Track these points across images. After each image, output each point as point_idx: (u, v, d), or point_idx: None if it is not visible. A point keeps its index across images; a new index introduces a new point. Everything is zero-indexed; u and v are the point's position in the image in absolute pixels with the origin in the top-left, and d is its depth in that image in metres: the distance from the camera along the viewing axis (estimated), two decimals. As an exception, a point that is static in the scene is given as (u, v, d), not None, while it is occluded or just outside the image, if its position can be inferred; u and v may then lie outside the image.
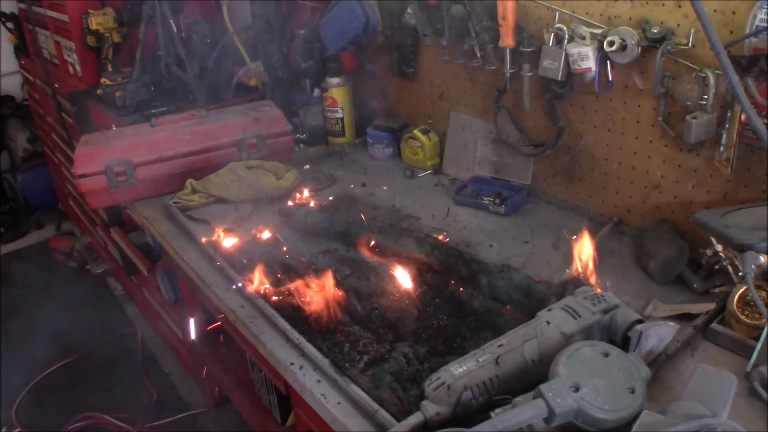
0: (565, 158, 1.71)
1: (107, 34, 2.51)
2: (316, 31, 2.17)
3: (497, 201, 1.74)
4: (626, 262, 1.47)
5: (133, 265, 2.63)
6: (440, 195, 1.87)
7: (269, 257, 1.57)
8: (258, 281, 1.42)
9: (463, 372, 1.02)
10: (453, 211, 1.77)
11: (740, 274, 1.20)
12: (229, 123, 1.98)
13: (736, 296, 1.17)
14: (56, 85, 3.02)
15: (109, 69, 2.54)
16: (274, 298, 1.39)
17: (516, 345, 1.06)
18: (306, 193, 1.89)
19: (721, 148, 1.31)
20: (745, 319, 1.15)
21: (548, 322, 1.09)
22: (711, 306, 1.24)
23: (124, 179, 1.85)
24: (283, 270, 1.51)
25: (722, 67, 0.94)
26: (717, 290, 1.31)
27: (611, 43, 1.39)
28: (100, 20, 2.48)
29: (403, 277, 1.41)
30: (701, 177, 1.41)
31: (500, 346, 1.07)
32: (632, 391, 0.94)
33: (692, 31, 1.31)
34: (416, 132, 2.02)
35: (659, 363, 1.12)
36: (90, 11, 2.49)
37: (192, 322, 2.07)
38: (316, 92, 2.32)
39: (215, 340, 2.17)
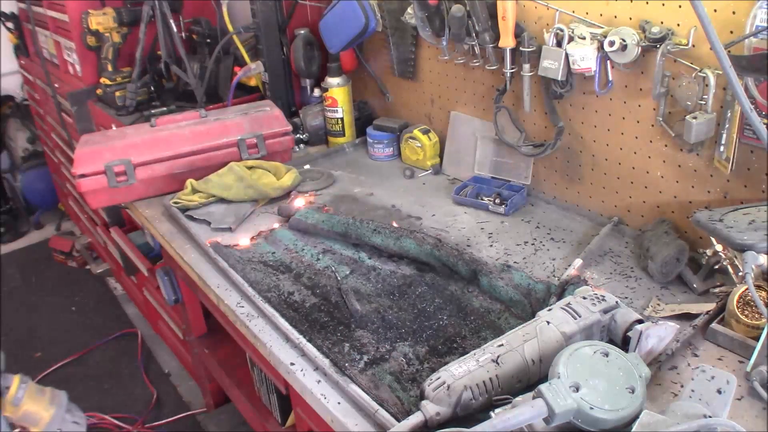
0: (565, 158, 1.71)
1: (107, 34, 2.52)
2: (316, 31, 2.17)
3: (497, 201, 1.74)
4: (626, 262, 1.48)
5: (133, 265, 2.63)
6: (440, 195, 1.87)
7: (269, 257, 1.57)
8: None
9: (463, 372, 1.02)
10: (453, 210, 1.77)
11: (740, 274, 1.20)
12: (229, 123, 1.98)
13: (736, 296, 1.17)
14: (56, 85, 3.02)
15: (109, 69, 2.54)
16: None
17: (516, 345, 1.06)
18: (306, 193, 1.90)
19: (721, 148, 1.31)
20: (745, 319, 1.15)
21: (548, 322, 1.09)
22: (711, 306, 1.24)
23: (124, 179, 1.85)
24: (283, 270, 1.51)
25: (722, 67, 0.94)
26: (717, 290, 1.31)
27: (611, 43, 1.39)
28: (100, 20, 2.48)
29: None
30: (701, 177, 1.41)
31: (500, 346, 1.07)
32: (632, 391, 0.94)
33: (692, 31, 1.31)
34: (416, 132, 2.02)
35: (659, 363, 1.12)
36: (90, 11, 2.49)
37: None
38: (316, 92, 2.32)
39: (215, 340, 2.18)
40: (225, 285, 1.48)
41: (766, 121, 1.20)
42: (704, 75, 1.28)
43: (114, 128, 2.36)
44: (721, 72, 1.24)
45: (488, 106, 1.84)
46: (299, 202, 1.81)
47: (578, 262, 1.42)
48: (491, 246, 1.58)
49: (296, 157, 2.15)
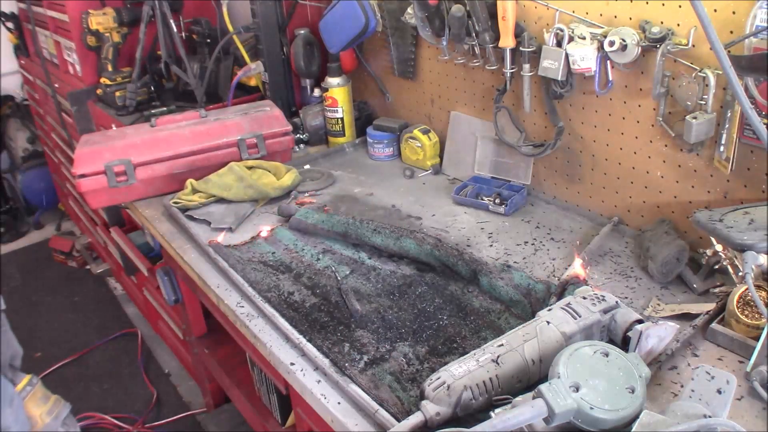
0: (565, 158, 1.71)
1: (107, 34, 2.52)
2: (316, 31, 2.17)
3: (497, 201, 1.74)
4: (626, 262, 1.48)
5: (133, 265, 2.63)
6: (440, 195, 1.87)
7: (269, 257, 1.57)
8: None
9: (463, 372, 1.02)
10: (453, 210, 1.77)
11: (740, 274, 1.20)
12: (229, 123, 1.98)
13: (736, 296, 1.17)
14: (56, 85, 3.03)
15: (109, 69, 2.54)
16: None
17: (516, 345, 1.06)
18: (306, 193, 1.90)
19: (721, 148, 1.31)
20: (745, 319, 1.15)
21: (548, 322, 1.09)
22: (711, 306, 1.24)
23: (124, 179, 1.85)
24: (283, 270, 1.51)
25: (722, 67, 0.94)
26: (717, 290, 1.31)
27: (611, 43, 1.39)
28: (100, 20, 2.48)
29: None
30: (701, 177, 1.41)
31: (500, 346, 1.07)
32: (632, 391, 0.94)
33: (692, 31, 1.31)
34: (416, 132, 2.02)
35: (659, 363, 1.12)
36: (90, 11, 2.49)
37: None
38: (316, 92, 2.32)
39: (215, 340, 2.18)
40: (225, 285, 1.48)
41: (766, 121, 1.20)
42: (704, 75, 1.28)
43: (114, 128, 2.36)
44: (721, 72, 1.24)
45: (488, 106, 1.84)
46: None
47: (578, 262, 1.42)
48: (491, 246, 1.58)
49: (296, 157, 2.15)
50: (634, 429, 0.89)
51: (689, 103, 1.32)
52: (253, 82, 2.43)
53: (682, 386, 1.08)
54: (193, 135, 1.94)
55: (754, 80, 1.21)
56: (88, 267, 3.61)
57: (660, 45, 1.34)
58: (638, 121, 1.50)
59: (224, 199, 1.81)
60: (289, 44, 2.29)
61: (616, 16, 1.44)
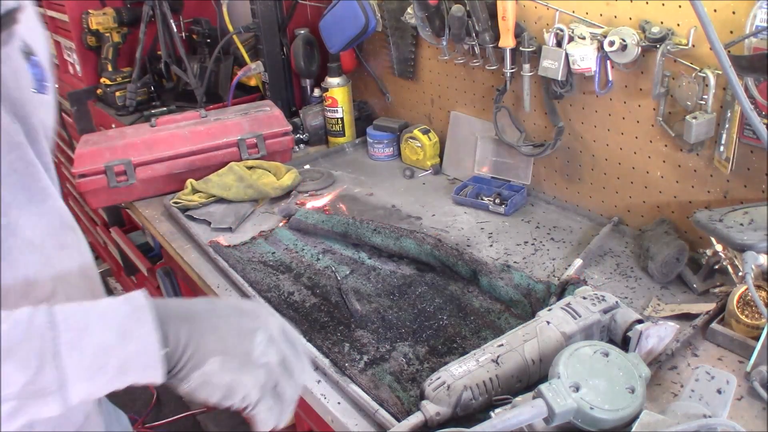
0: (565, 158, 1.71)
1: (107, 34, 2.52)
2: (316, 31, 2.18)
3: (497, 201, 1.74)
4: (626, 262, 1.48)
5: (133, 265, 2.64)
6: (440, 195, 1.87)
7: (269, 257, 1.57)
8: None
9: (463, 372, 1.02)
10: (453, 210, 1.77)
11: (740, 274, 1.20)
12: (229, 123, 1.98)
13: (736, 296, 1.17)
14: (56, 85, 3.02)
15: (109, 69, 2.54)
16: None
17: (516, 345, 1.06)
18: (306, 193, 1.90)
19: (721, 148, 1.31)
20: (745, 319, 1.15)
21: (548, 322, 1.09)
22: (711, 306, 1.24)
23: (124, 179, 1.85)
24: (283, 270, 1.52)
25: (722, 67, 0.94)
26: (717, 290, 1.31)
27: (611, 43, 1.39)
28: (100, 20, 2.48)
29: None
30: (701, 177, 1.41)
31: (500, 346, 1.07)
32: (632, 391, 0.94)
33: (692, 31, 1.31)
34: (416, 132, 2.02)
35: (659, 363, 1.12)
36: (90, 11, 2.49)
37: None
38: (316, 92, 2.32)
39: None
40: (225, 285, 1.48)
41: (766, 121, 1.20)
42: (704, 75, 1.28)
43: (114, 128, 2.36)
44: (721, 72, 1.24)
45: (488, 106, 1.84)
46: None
47: (578, 262, 1.43)
48: (491, 246, 1.58)
49: (296, 157, 2.16)
50: (634, 429, 0.89)
51: (689, 103, 1.32)
52: (253, 82, 2.43)
53: (682, 386, 1.08)
54: (193, 135, 1.94)
55: (754, 80, 1.21)
56: (88, 267, 3.61)
57: (660, 45, 1.34)
58: (638, 121, 1.50)
59: (224, 199, 1.81)
60: (289, 44, 2.29)
61: (616, 16, 1.44)
